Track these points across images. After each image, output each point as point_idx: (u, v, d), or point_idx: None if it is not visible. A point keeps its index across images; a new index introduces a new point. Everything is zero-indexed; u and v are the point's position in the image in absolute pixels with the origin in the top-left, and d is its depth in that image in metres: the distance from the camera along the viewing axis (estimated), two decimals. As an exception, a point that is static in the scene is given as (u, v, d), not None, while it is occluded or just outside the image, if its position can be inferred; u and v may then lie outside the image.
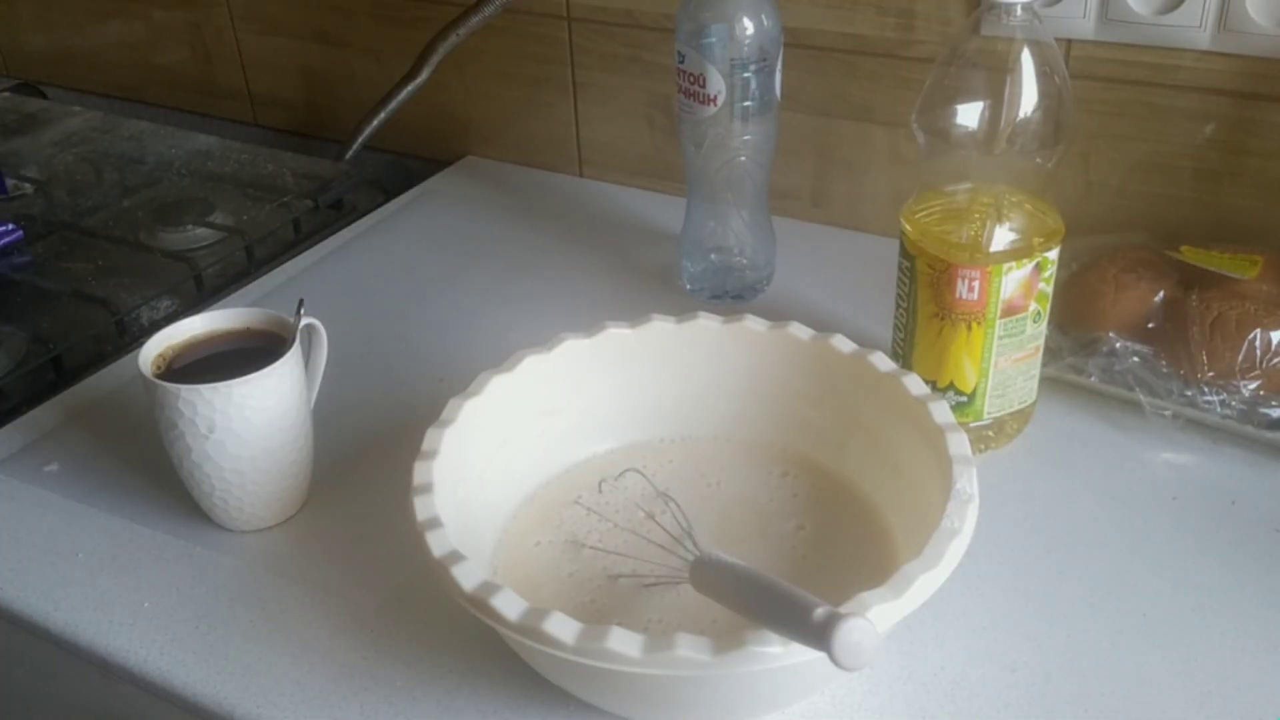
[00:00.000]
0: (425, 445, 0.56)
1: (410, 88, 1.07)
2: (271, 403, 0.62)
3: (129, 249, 1.03)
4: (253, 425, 0.62)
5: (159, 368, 0.64)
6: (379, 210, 1.07)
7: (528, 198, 1.07)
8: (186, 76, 1.31)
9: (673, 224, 0.92)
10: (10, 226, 1.00)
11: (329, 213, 1.07)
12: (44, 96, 1.38)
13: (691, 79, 0.78)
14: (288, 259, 0.99)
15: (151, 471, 0.70)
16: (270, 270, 0.97)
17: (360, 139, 1.14)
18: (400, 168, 1.14)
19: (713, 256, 0.87)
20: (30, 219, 1.07)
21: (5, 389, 0.82)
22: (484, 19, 1.03)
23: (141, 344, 0.64)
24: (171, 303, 0.94)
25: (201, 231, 1.05)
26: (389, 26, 1.12)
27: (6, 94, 1.34)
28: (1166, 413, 0.69)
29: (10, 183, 1.11)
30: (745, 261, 0.86)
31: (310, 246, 1.02)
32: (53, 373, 0.84)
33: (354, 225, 1.03)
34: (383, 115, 1.10)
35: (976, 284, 0.63)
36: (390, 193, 1.11)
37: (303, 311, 0.67)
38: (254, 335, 0.67)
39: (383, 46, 1.14)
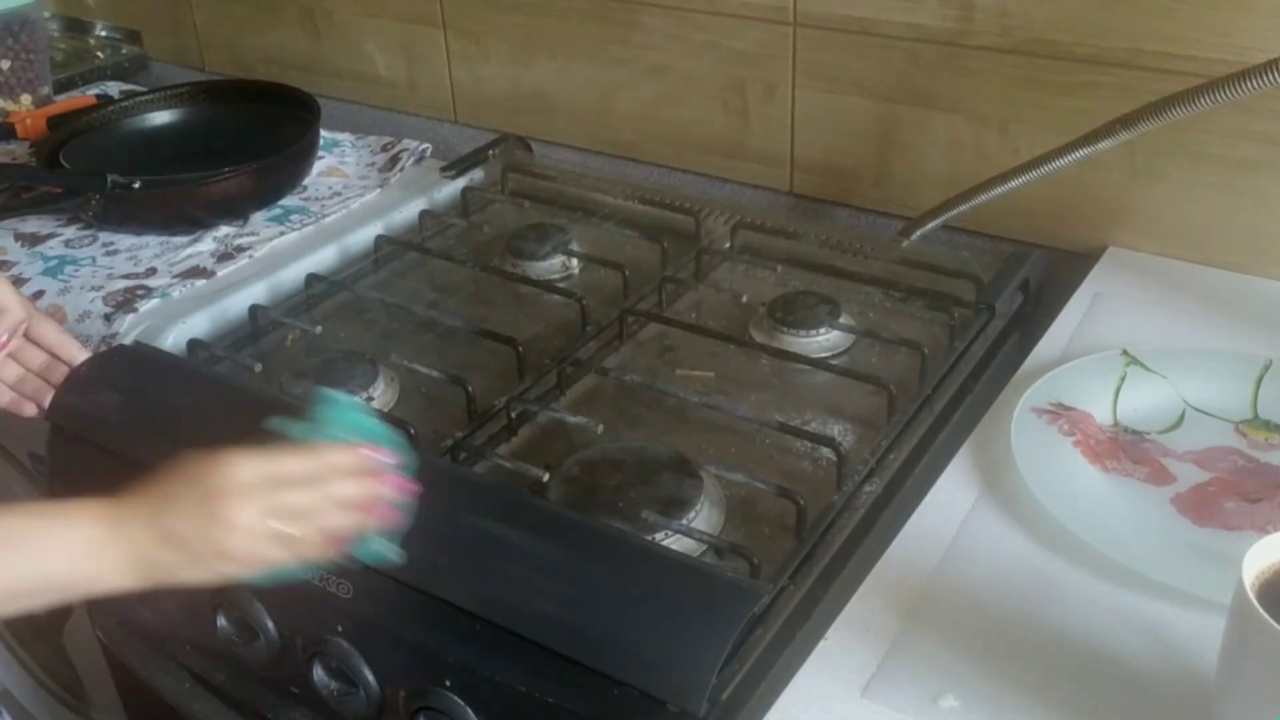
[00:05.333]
0: None
1: (1055, 165, 0.87)
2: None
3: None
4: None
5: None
6: (1045, 317, 0.89)
7: (1231, 306, 0.87)
8: (707, 137, 1.16)
9: None
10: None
11: (983, 317, 0.89)
12: (529, 149, 1.25)
13: None
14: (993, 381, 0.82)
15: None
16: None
17: (942, 218, 0.96)
18: (1035, 262, 0.96)
19: None
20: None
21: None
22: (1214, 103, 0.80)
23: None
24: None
25: (833, 336, 0.89)
26: (1025, 90, 0.94)
27: (497, 151, 1.21)
28: None
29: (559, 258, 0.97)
30: None
31: (989, 364, 0.85)
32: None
33: (1044, 342, 0.84)
34: (997, 191, 0.90)
35: None
36: (1026, 291, 0.93)
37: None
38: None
39: (1006, 114, 0.96)
